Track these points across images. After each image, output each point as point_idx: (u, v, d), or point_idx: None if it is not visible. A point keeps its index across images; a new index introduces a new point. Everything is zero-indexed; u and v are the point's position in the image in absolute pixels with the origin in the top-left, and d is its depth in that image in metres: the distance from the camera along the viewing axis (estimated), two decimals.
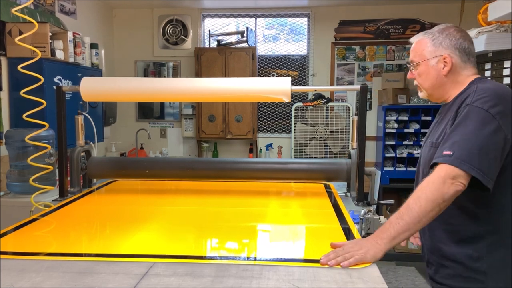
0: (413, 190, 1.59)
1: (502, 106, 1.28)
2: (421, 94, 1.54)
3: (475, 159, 1.23)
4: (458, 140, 1.27)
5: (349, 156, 1.99)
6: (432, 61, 1.44)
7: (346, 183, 2.03)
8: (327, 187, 2.10)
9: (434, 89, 1.48)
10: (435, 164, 1.29)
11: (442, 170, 1.25)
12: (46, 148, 2.00)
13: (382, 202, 1.69)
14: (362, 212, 1.58)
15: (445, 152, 1.27)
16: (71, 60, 3.30)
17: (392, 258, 4.33)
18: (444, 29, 1.45)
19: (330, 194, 1.95)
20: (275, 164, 2.10)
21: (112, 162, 2.18)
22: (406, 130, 4.38)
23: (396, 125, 4.38)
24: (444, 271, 1.42)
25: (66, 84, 3.19)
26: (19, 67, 1.87)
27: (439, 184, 1.24)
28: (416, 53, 1.49)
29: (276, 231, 1.57)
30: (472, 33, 2.58)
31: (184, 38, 4.83)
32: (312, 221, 1.67)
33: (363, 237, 1.47)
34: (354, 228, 1.49)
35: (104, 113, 4.01)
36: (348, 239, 1.38)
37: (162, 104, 4.97)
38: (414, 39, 1.52)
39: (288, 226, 1.62)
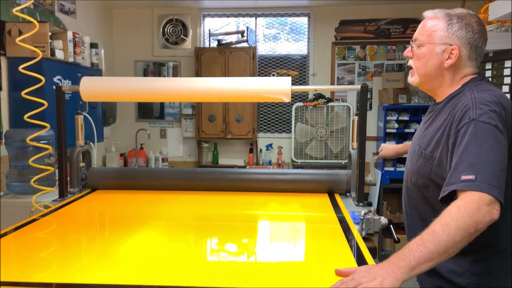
0: (403, 199, 1.49)
1: (502, 116, 1.19)
2: (411, 79, 1.40)
3: (500, 181, 1.11)
4: (476, 162, 1.13)
5: (350, 157, 1.99)
6: (439, 47, 1.30)
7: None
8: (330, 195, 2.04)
9: (428, 79, 1.35)
10: (454, 190, 1.15)
11: (475, 196, 1.09)
12: (47, 149, 2.00)
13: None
14: (363, 212, 1.57)
15: (464, 177, 1.12)
16: (71, 60, 3.30)
17: None
18: (465, 16, 1.30)
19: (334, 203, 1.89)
20: (273, 175, 2.07)
21: (112, 173, 2.17)
22: (406, 130, 4.38)
23: (396, 125, 4.37)
24: (429, 280, 1.39)
25: (66, 84, 3.19)
26: (20, 68, 1.86)
27: (472, 210, 1.07)
28: (424, 31, 1.34)
29: (275, 242, 1.46)
30: None
31: (184, 37, 4.83)
32: (313, 224, 1.67)
33: (364, 237, 1.46)
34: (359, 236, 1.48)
35: (104, 113, 4.01)
36: (347, 237, 1.34)
37: (162, 104, 4.97)
38: (428, 14, 1.36)
39: (287, 231, 1.60)
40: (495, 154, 1.14)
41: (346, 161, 4.22)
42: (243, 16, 4.89)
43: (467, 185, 1.12)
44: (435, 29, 1.31)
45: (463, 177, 1.13)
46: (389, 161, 4.47)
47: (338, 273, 1.06)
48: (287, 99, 1.78)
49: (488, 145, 1.14)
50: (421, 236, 1.07)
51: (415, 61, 1.37)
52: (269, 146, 4.88)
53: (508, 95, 2.54)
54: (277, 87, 1.79)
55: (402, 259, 1.04)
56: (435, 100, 1.44)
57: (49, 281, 1.06)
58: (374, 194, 4.40)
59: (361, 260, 1.17)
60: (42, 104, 1.93)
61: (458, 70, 1.33)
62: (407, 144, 1.77)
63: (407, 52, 1.40)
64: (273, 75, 4.88)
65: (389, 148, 1.83)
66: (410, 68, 1.42)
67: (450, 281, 1.32)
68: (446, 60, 1.31)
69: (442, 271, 1.33)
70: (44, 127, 1.91)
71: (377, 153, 1.86)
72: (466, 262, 1.29)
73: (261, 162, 4.85)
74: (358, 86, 1.78)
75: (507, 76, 2.56)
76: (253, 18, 4.88)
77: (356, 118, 1.82)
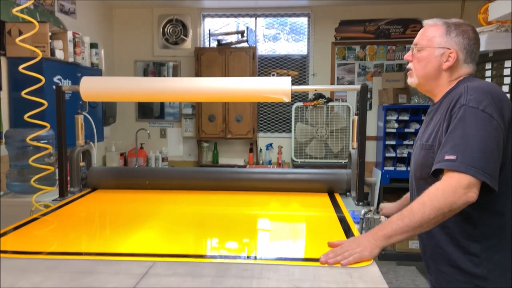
0: (411, 197, 1.55)
1: (494, 103, 1.26)
2: (410, 80, 1.50)
3: (480, 162, 1.20)
4: (459, 143, 1.23)
5: (350, 156, 1.99)
6: (438, 51, 1.40)
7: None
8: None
9: (427, 80, 1.45)
10: (439, 170, 1.26)
11: (453, 179, 1.21)
12: (47, 148, 2.00)
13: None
14: (362, 212, 1.58)
15: (447, 157, 1.23)
16: (71, 60, 3.30)
17: (393, 258, 4.32)
18: (461, 24, 1.41)
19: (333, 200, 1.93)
20: (274, 175, 2.08)
21: (113, 172, 2.17)
22: (406, 130, 4.38)
23: (396, 125, 4.38)
24: (443, 277, 1.40)
25: (66, 84, 3.19)
26: (20, 68, 1.86)
27: (448, 192, 1.20)
28: (425, 36, 1.43)
29: (276, 230, 1.57)
30: None
31: (184, 38, 4.83)
32: (313, 221, 1.67)
33: None
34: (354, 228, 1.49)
35: (104, 112, 4.01)
36: (347, 237, 1.38)
37: (162, 104, 4.97)
38: (428, 22, 1.45)
39: (288, 225, 1.63)
40: (478, 136, 1.22)
41: (346, 160, 4.23)
42: (243, 16, 4.89)
43: (447, 164, 1.23)
44: (435, 35, 1.41)
45: (446, 157, 1.24)
46: (389, 160, 4.47)
47: (330, 244, 1.27)
48: (287, 99, 1.79)
49: (473, 128, 1.24)
50: (402, 212, 1.25)
51: (415, 63, 1.46)
52: (269, 146, 4.88)
53: (508, 95, 2.54)
54: (277, 87, 1.79)
55: (382, 229, 1.24)
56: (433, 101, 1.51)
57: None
58: (374, 193, 4.40)
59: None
60: (42, 104, 1.93)
61: (454, 71, 1.42)
62: (406, 196, 1.79)
63: (407, 56, 1.49)
64: (273, 75, 4.88)
65: (390, 206, 1.83)
66: (409, 70, 1.50)
67: (468, 273, 1.33)
68: (445, 62, 1.40)
69: (458, 262, 1.35)
70: (44, 126, 1.91)
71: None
72: (482, 250, 1.32)
73: (261, 161, 4.86)
74: (358, 86, 1.78)
75: (507, 76, 2.57)
76: (253, 18, 4.89)
77: (356, 118, 1.82)
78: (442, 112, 1.37)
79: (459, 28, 1.39)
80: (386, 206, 1.81)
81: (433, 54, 1.41)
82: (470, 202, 1.20)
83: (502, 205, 1.32)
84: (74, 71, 3.36)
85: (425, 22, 1.47)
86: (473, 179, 1.19)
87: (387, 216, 1.75)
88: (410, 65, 1.49)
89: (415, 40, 1.47)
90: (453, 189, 1.19)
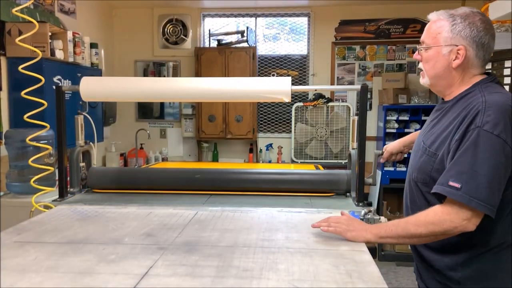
0: (404, 193, 1.52)
1: (511, 123, 1.19)
2: (422, 81, 1.42)
3: (484, 193, 1.16)
4: (466, 171, 1.18)
5: (349, 157, 1.99)
6: (445, 49, 1.30)
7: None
8: None
9: (438, 80, 1.36)
10: (439, 194, 1.23)
11: (453, 209, 1.20)
12: (47, 149, 2.00)
13: None
14: (362, 212, 1.58)
15: (451, 183, 1.19)
16: (71, 60, 3.30)
17: (392, 258, 4.32)
18: (468, 15, 1.29)
19: None
20: (272, 175, 2.08)
21: (112, 173, 2.17)
22: (406, 130, 4.38)
23: (396, 125, 4.38)
24: (424, 273, 1.43)
25: (66, 84, 3.19)
26: (20, 68, 1.86)
27: (445, 221, 1.21)
28: (430, 34, 1.34)
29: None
30: None
31: (184, 37, 4.83)
32: None
33: None
34: None
35: (104, 113, 4.01)
36: None
37: (162, 104, 4.97)
38: (432, 16, 1.35)
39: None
40: (488, 166, 1.17)
41: (346, 161, 4.23)
42: (243, 16, 4.89)
43: (451, 192, 1.20)
44: (440, 31, 1.31)
45: (451, 183, 1.20)
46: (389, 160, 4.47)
47: (331, 218, 1.36)
48: (287, 99, 1.79)
49: (484, 155, 1.18)
50: (400, 220, 1.29)
51: (424, 63, 1.38)
52: (269, 146, 4.88)
53: None
54: (277, 87, 1.79)
55: (377, 228, 1.31)
56: (443, 99, 1.44)
57: None
58: (374, 194, 4.40)
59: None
60: (42, 104, 1.93)
61: (466, 69, 1.33)
62: (414, 134, 1.76)
63: (416, 55, 1.41)
64: (273, 75, 4.88)
65: (393, 142, 1.83)
66: (421, 70, 1.43)
67: (444, 275, 1.36)
68: (454, 60, 1.31)
69: (435, 263, 1.37)
70: (44, 127, 1.91)
71: (382, 154, 1.85)
72: (459, 258, 1.32)
73: (261, 162, 4.86)
74: (358, 86, 1.78)
75: (507, 76, 2.57)
76: (253, 18, 4.89)
77: (356, 118, 1.82)
78: (453, 119, 1.29)
79: (465, 20, 1.28)
80: (390, 144, 1.80)
81: (440, 52, 1.31)
82: (466, 231, 1.21)
83: (488, 220, 1.26)
84: (74, 71, 3.36)
85: (429, 17, 1.37)
86: (474, 211, 1.18)
87: (391, 153, 1.83)
88: (420, 65, 1.41)
89: (422, 38, 1.38)
90: (451, 219, 1.20)
